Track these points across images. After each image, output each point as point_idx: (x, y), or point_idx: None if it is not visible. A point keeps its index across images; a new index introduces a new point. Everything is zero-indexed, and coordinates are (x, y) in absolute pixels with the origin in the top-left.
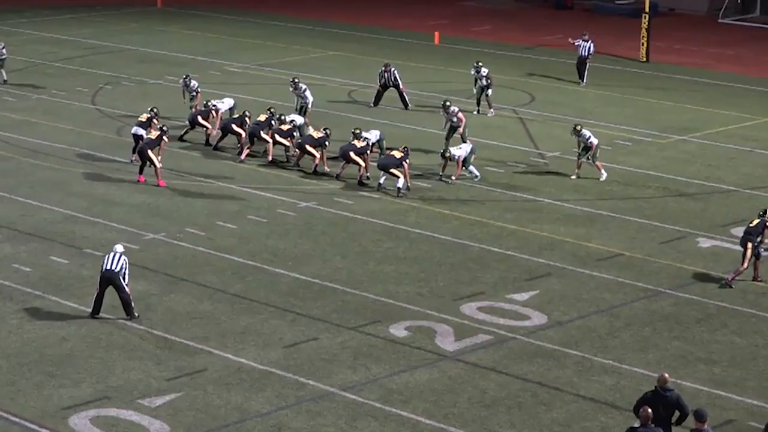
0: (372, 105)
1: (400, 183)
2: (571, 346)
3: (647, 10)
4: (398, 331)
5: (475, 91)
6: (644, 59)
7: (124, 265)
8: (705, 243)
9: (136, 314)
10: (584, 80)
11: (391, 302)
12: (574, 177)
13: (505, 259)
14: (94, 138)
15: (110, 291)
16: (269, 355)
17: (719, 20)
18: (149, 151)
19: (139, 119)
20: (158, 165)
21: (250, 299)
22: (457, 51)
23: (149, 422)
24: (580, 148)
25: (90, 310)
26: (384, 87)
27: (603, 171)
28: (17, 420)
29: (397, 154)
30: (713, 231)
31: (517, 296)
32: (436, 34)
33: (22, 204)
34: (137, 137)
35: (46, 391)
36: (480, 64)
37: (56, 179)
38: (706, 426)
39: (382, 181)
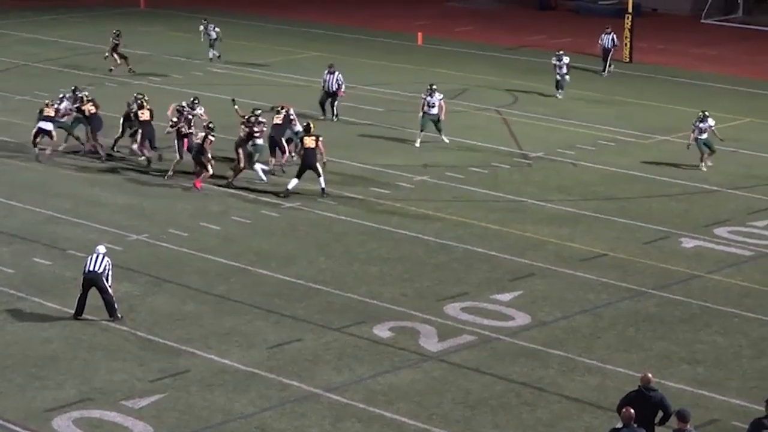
0: (323, 117)
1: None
2: (555, 346)
3: (630, 10)
4: (382, 331)
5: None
6: (627, 59)
7: (107, 267)
8: (688, 243)
9: (119, 315)
10: (606, 71)
11: (375, 303)
12: (704, 168)
13: (489, 259)
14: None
15: (93, 292)
16: (253, 356)
17: (702, 20)
18: (202, 156)
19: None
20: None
21: (233, 300)
22: (440, 51)
23: (133, 423)
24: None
25: (73, 311)
26: (327, 92)
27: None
28: (0, 422)
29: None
30: (697, 231)
31: (500, 296)
32: (419, 34)
33: (4, 205)
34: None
35: (29, 393)
36: (561, 52)
37: (39, 180)
38: (689, 426)
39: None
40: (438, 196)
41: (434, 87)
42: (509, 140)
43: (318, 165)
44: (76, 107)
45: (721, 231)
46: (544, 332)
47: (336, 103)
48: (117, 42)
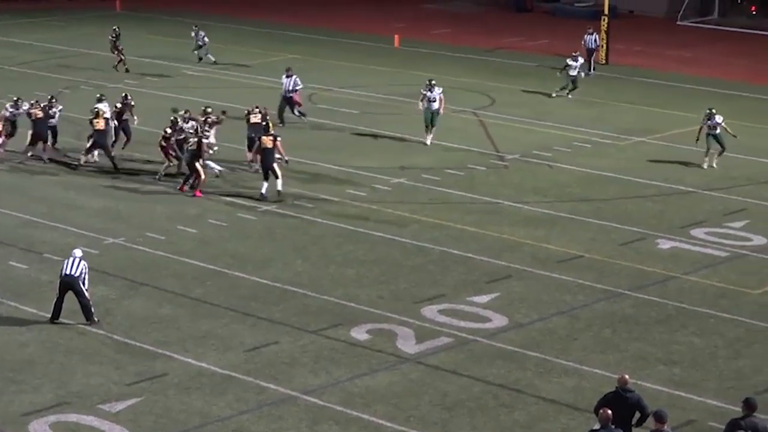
0: (281, 124)
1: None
2: (532, 347)
3: (606, 12)
4: (359, 334)
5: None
6: (603, 61)
7: (83, 270)
8: (664, 244)
9: (95, 319)
10: (592, 70)
11: (352, 305)
12: (706, 166)
13: (466, 261)
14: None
15: (70, 296)
16: (230, 359)
17: (678, 22)
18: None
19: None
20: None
21: (210, 303)
22: (417, 54)
23: (109, 427)
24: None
25: (49, 315)
26: (284, 96)
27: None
28: None
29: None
30: (672, 232)
31: (477, 298)
32: (396, 37)
33: None
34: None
35: (6, 397)
36: (577, 53)
37: (15, 184)
38: (666, 427)
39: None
40: (414, 198)
41: (433, 82)
42: (486, 142)
43: (276, 166)
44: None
45: (697, 232)
46: (521, 334)
47: (296, 107)
48: (115, 39)
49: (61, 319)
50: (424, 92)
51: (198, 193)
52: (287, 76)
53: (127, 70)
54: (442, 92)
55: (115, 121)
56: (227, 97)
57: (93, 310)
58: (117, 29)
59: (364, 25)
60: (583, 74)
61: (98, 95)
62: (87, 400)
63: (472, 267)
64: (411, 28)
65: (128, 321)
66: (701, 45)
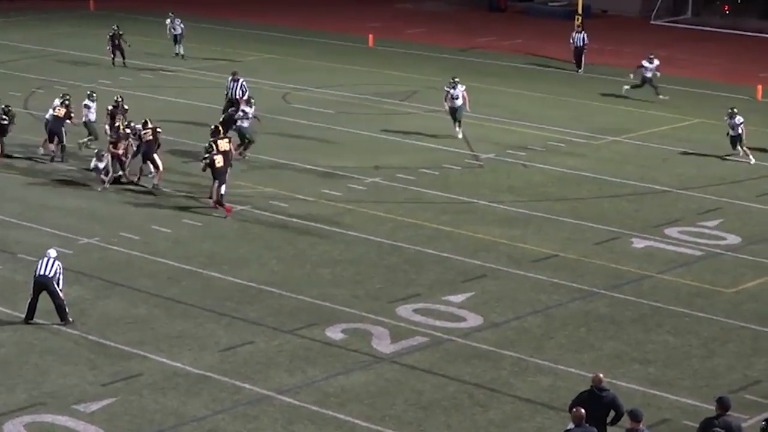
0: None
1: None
2: (507, 347)
3: (580, 11)
4: (334, 333)
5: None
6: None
7: (58, 270)
8: (639, 243)
9: (70, 319)
10: (582, 67)
11: (327, 305)
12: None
13: (441, 260)
14: (27, 143)
15: (44, 296)
16: (205, 359)
17: (651, 22)
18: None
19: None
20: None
21: (185, 303)
22: (391, 53)
23: (84, 428)
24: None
25: (24, 315)
26: (230, 101)
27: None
28: None
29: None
30: (647, 231)
31: (452, 298)
32: (371, 36)
33: None
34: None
35: None
36: (653, 55)
37: None
38: (641, 426)
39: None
40: (390, 197)
41: (456, 79)
42: (460, 142)
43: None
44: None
45: (671, 231)
46: (496, 333)
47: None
48: (115, 35)
49: (35, 320)
50: (448, 89)
51: (229, 209)
52: (233, 80)
53: (124, 65)
54: (465, 89)
55: (107, 125)
56: (197, 96)
57: (67, 310)
58: (117, 27)
59: (337, 24)
60: (658, 74)
61: (63, 95)
62: (62, 400)
63: (447, 266)
64: (385, 28)
65: (103, 321)
66: (675, 44)
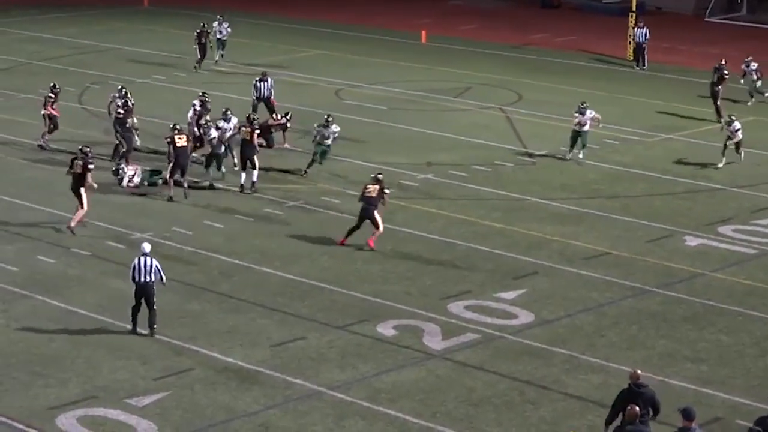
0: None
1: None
2: (558, 344)
3: (634, 8)
4: (386, 330)
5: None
6: (631, 58)
7: (157, 270)
8: (692, 241)
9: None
10: (645, 64)
11: (378, 301)
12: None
13: (492, 257)
14: (81, 138)
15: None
16: (256, 355)
17: (706, 19)
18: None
19: None
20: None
21: (237, 299)
22: (443, 50)
23: (137, 421)
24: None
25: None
26: (258, 99)
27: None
28: (4, 419)
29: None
30: (700, 229)
31: (504, 295)
32: (423, 32)
33: (8, 203)
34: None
35: (33, 391)
36: (750, 59)
37: (43, 179)
38: (694, 424)
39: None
40: (441, 194)
41: (585, 104)
42: (513, 138)
43: (255, 158)
44: None
45: (725, 229)
46: (548, 330)
47: (275, 112)
48: (203, 34)
49: (87, 313)
50: (576, 114)
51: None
52: (261, 80)
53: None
54: (596, 114)
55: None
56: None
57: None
58: (204, 24)
59: (390, 21)
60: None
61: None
62: (114, 394)
63: (498, 263)
64: (438, 24)
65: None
66: (729, 42)
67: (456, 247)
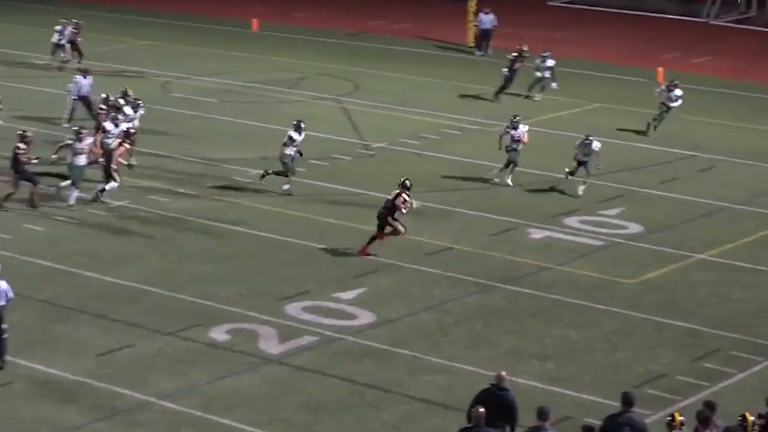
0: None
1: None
2: (401, 344)
3: None
4: (219, 334)
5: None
6: (472, 44)
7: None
8: (537, 234)
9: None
10: (488, 51)
11: (211, 304)
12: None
13: (331, 256)
14: None
15: None
16: (82, 365)
17: (548, 2)
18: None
19: None
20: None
21: (60, 306)
22: (276, 38)
23: None
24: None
25: None
26: (79, 99)
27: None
28: None
29: None
30: (545, 221)
31: (343, 294)
32: (254, 20)
33: None
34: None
35: None
36: (548, 54)
37: None
38: (547, 424)
39: None
40: (276, 190)
41: (518, 118)
42: (350, 130)
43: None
44: None
45: (570, 221)
46: (389, 330)
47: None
48: (76, 33)
49: None
50: (509, 129)
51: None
52: (85, 76)
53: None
54: (528, 131)
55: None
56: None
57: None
58: (77, 22)
59: (217, 7)
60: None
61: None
62: None
63: (337, 262)
64: (269, 11)
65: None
66: (572, 26)
67: (292, 246)
